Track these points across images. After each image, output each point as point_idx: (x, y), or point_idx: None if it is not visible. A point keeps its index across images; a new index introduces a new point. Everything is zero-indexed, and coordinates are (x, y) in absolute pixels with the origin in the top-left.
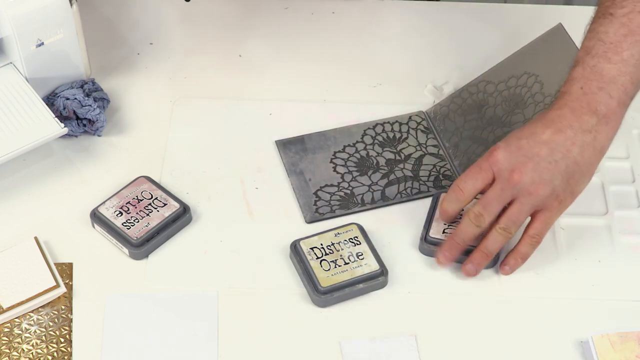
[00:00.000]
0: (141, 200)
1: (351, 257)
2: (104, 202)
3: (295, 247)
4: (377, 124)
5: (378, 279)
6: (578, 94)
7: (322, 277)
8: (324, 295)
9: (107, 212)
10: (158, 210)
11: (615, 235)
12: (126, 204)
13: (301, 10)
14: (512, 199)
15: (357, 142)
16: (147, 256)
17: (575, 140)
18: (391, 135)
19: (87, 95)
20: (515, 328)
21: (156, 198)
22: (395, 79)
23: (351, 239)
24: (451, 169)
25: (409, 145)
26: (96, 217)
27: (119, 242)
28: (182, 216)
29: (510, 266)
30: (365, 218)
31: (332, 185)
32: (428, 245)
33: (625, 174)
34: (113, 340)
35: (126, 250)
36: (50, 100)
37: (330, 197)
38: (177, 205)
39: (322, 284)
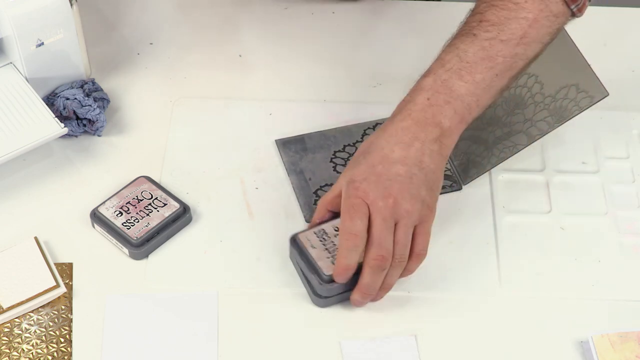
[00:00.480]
0: (141, 200)
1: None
2: (103, 202)
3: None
4: (377, 124)
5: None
6: (424, 105)
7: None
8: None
9: (107, 212)
10: (158, 210)
11: (615, 235)
12: (126, 204)
13: (301, 10)
14: (395, 224)
15: (357, 141)
16: (147, 256)
17: (424, 151)
18: None
19: (87, 95)
20: (515, 328)
21: (156, 198)
22: (395, 79)
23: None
24: (451, 169)
25: None
26: (96, 217)
27: (119, 242)
28: (182, 216)
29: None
30: None
31: (332, 185)
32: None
33: (625, 174)
34: (113, 340)
35: (126, 250)
36: (50, 100)
37: None
38: (177, 205)
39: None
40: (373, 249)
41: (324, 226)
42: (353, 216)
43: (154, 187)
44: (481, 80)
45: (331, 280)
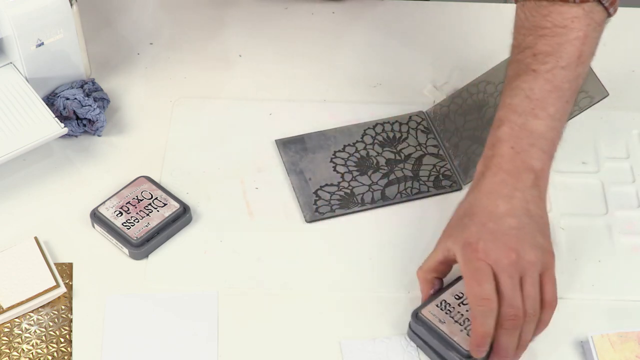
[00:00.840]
0: (141, 200)
1: None
2: (104, 202)
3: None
4: (377, 124)
5: None
6: (510, 155)
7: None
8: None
9: (107, 212)
10: (158, 210)
11: (615, 235)
12: (126, 203)
13: (301, 10)
14: (521, 279)
15: (357, 141)
16: (147, 256)
17: (527, 199)
18: (391, 135)
19: (87, 95)
20: None
21: (156, 198)
22: (395, 79)
23: None
24: (451, 169)
25: (409, 145)
26: (96, 217)
27: (119, 242)
28: (182, 216)
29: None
30: (365, 218)
31: (332, 185)
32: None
33: (625, 174)
34: (113, 340)
35: (126, 251)
36: (50, 100)
37: (331, 196)
38: (177, 205)
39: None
40: (505, 309)
41: (442, 297)
42: (480, 280)
43: (154, 187)
44: (555, 112)
45: (470, 355)
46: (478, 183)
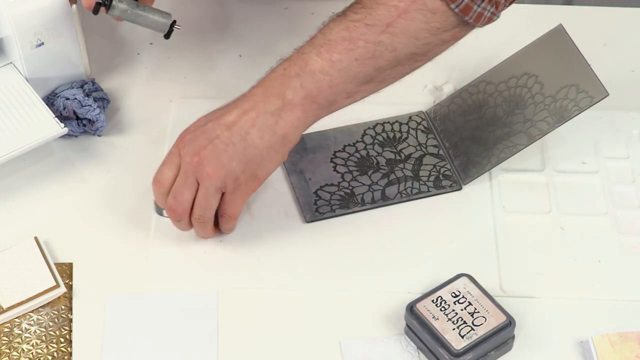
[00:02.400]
0: None
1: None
2: None
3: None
4: (377, 124)
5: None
6: (278, 74)
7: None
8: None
9: None
10: None
11: (615, 235)
12: None
13: (301, 10)
14: (198, 184)
15: (357, 141)
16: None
17: (255, 123)
18: (391, 135)
19: (87, 95)
20: (515, 328)
21: None
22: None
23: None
24: (451, 169)
25: (409, 145)
26: None
27: None
28: None
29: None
30: (365, 218)
31: (332, 185)
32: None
33: (625, 174)
34: (113, 340)
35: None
36: (50, 100)
37: (331, 196)
38: None
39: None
40: (169, 199)
41: (440, 293)
42: (166, 164)
43: None
44: (338, 61)
45: (461, 354)
46: (251, 88)
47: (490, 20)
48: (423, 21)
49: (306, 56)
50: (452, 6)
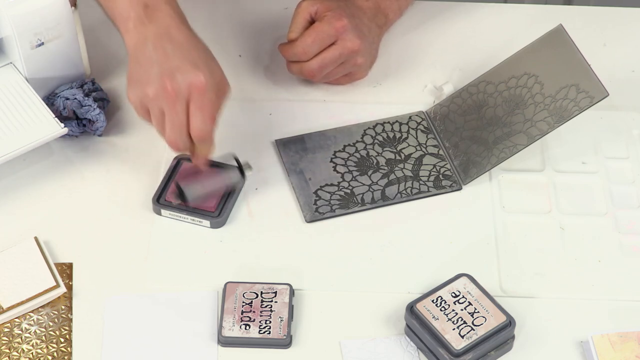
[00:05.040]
0: None
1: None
2: None
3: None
4: (377, 124)
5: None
6: None
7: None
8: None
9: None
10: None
11: (615, 235)
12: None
13: None
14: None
15: (357, 141)
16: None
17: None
18: (391, 135)
19: (87, 95)
20: (515, 328)
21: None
22: (395, 79)
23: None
24: (451, 169)
25: (409, 145)
26: (160, 203)
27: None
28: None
29: None
30: (365, 218)
31: (332, 185)
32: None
33: (625, 174)
34: (113, 340)
35: (207, 222)
36: (50, 100)
37: (331, 196)
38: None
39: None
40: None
41: (440, 293)
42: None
43: None
44: None
45: (461, 354)
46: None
47: None
48: None
49: None
50: None
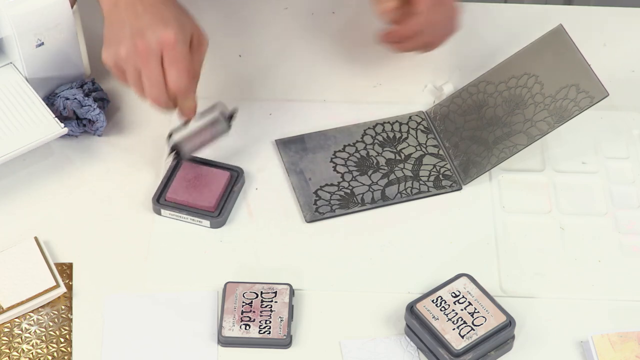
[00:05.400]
0: None
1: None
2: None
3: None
4: (377, 124)
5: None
6: None
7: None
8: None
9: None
10: None
11: (615, 235)
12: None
13: (301, 10)
14: None
15: (357, 141)
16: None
17: None
18: (391, 135)
19: (87, 95)
20: (515, 328)
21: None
22: (395, 79)
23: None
24: (451, 169)
25: (409, 145)
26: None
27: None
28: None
29: None
30: (365, 218)
31: (332, 185)
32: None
33: (625, 174)
34: (113, 340)
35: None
36: (50, 100)
37: (331, 196)
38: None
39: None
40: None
41: (440, 293)
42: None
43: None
44: None
45: (461, 354)
46: None
47: None
48: None
49: None
50: None
